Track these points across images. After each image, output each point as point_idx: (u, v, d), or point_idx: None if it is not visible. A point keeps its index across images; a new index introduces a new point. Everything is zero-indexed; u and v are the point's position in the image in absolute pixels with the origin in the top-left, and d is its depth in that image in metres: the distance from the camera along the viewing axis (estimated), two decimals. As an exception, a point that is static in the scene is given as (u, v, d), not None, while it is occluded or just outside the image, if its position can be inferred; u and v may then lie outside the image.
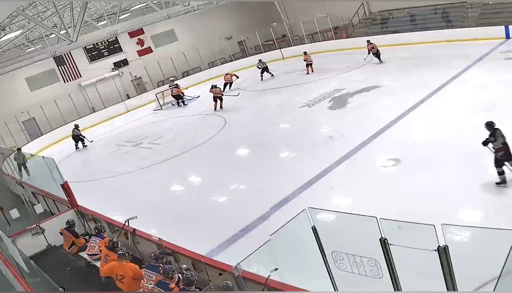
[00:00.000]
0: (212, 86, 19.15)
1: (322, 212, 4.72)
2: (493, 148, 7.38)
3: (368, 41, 19.37)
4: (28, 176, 16.53)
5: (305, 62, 20.99)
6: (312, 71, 20.82)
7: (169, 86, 22.78)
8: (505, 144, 7.33)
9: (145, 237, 7.37)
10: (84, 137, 19.35)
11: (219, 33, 30.08)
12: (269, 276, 4.75)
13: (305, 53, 21.12)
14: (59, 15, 16.83)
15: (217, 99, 18.71)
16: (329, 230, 4.88)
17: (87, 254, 7.60)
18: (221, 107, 18.70)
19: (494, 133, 7.42)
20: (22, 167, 16.88)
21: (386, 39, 21.86)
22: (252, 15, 30.67)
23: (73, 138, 19.46)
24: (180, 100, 22.12)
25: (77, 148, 19.37)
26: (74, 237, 8.12)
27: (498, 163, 7.42)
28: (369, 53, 19.16)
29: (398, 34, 22.14)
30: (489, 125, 7.53)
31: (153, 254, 6.11)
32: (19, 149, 17.75)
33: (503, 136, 7.35)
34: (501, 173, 7.45)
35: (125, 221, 7.52)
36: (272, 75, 22.45)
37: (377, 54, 19.04)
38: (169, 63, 27.89)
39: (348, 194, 8.57)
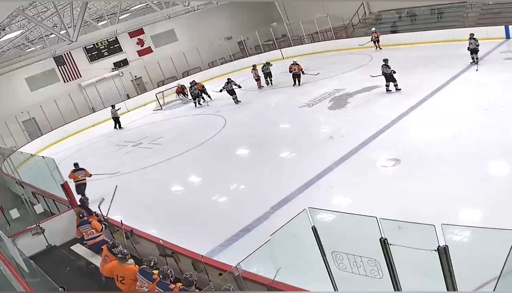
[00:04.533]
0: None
1: (322, 212, 4.72)
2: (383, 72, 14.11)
3: (373, 30, 21.99)
4: (121, 128, 20.83)
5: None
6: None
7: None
8: (385, 74, 14.11)
9: (145, 237, 7.37)
10: (207, 94, 20.75)
11: (219, 33, 30.07)
12: (272, 280, 4.75)
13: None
14: (59, 15, 16.83)
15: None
16: (329, 230, 4.87)
17: (85, 240, 7.76)
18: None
19: (383, 66, 14.07)
20: (117, 121, 20.91)
21: (386, 39, 21.88)
22: (252, 15, 30.67)
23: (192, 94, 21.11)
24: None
25: (201, 101, 21.01)
26: (88, 213, 8.22)
27: (386, 80, 14.15)
28: (371, 40, 21.62)
29: (398, 34, 22.15)
30: (385, 61, 14.12)
31: (147, 260, 5.76)
32: (113, 106, 21.08)
33: (387, 67, 13.97)
34: (388, 86, 14.20)
35: (120, 221, 7.65)
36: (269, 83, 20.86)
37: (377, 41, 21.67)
38: (169, 63, 27.90)
39: (348, 194, 8.57)
